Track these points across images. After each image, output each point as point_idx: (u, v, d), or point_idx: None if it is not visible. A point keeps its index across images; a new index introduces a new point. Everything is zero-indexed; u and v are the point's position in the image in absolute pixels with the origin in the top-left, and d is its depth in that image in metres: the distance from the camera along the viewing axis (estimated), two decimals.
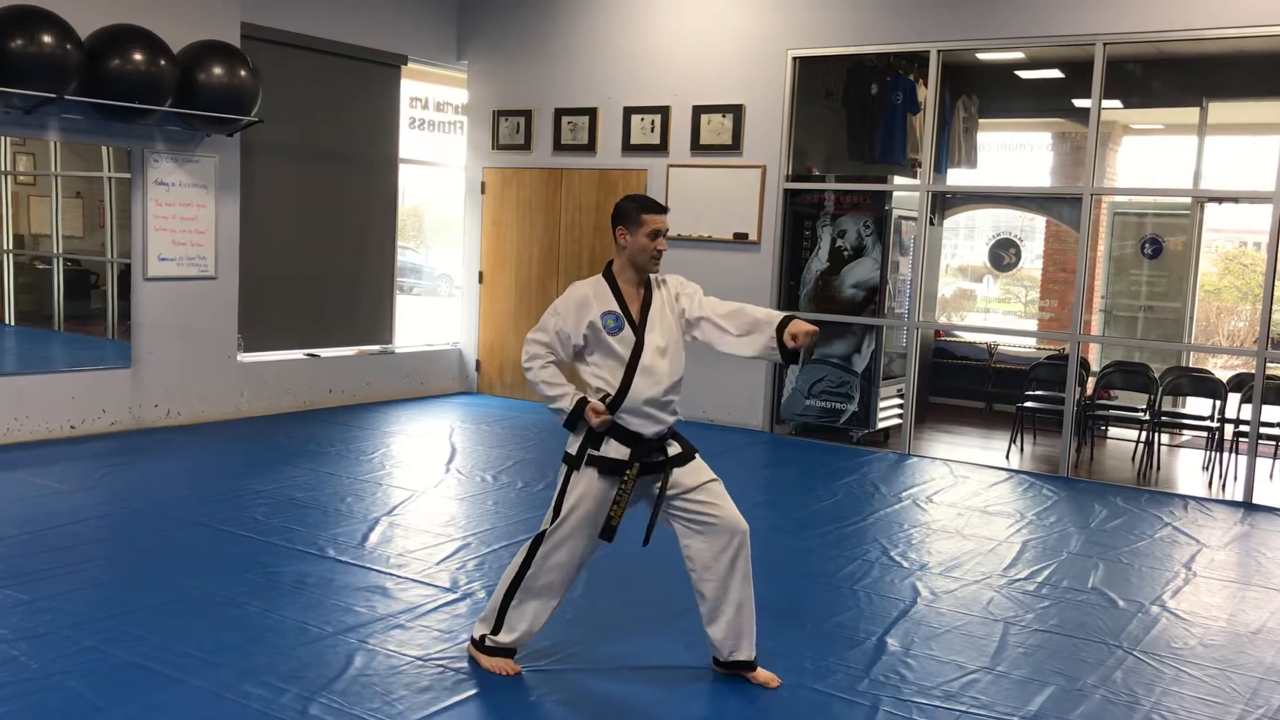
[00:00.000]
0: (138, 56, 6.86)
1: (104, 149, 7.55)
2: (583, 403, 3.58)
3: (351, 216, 9.16)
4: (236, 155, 7.95)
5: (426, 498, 6.17)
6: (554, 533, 3.68)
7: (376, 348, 9.41)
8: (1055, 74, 9.85)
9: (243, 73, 7.41)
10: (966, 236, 14.04)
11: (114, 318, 7.90)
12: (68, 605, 4.21)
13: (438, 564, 4.95)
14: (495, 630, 3.77)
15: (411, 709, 3.46)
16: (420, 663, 3.83)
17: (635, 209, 3.66)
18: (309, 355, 8.82)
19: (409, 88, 9.66)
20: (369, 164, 9.26)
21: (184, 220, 7.68)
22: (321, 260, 8.95)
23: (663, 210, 3.69)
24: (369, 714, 3.41)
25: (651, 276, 3.74)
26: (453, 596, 4.53)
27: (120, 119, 7.05)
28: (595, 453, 3.62)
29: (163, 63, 6.98)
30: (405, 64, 9.39)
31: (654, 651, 4.05)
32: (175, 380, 7.75)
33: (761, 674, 3.77)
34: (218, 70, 7.28)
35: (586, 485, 3.64)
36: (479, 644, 3.81)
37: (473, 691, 3.62)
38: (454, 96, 10.17)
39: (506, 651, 3.78)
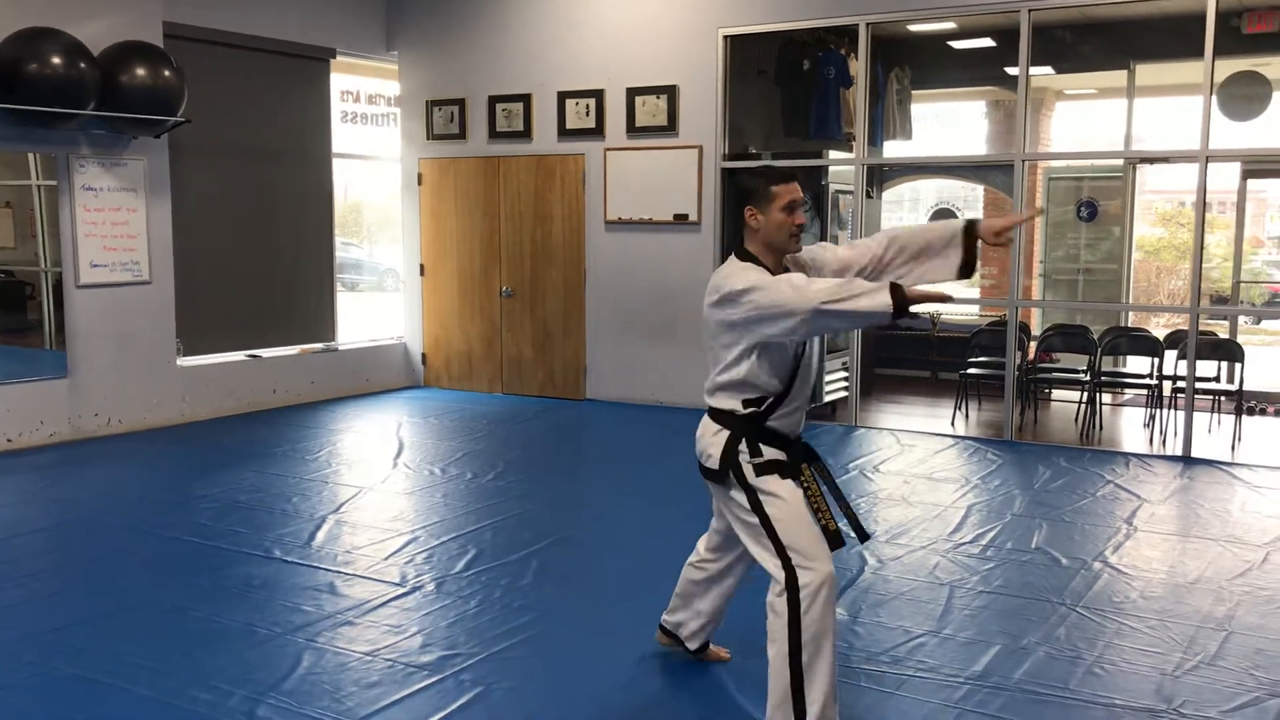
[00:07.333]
0: (56, 60, 6.72)
1: (30, 156, 7.40)
2: (897, 287, 2.91)
3: (287, 214, 9.06)
4: (165, 157, 7.82)
5: (374, 494, 6.13)
6: (800, 561, 3.06)
7: (319, 346, 9.31)
8: (987, 43, 9.93)
9: (167, 73, 7.29)
10: (911, 208, 14.13)
11: (51, 328, 7.75)
12: (9, 620, 4.14)
13: (386, 559, 4.92)
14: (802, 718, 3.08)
15: (360, 705, 3.45)
16: (369, 658, 3.81)
17: (763, 183, 3.28)
18: (251, 356, 8.71)
19: (339, 81, 9.55)
20: (302, 160, 9.15)
21: (114, 225, 7.54)
22: (259, 260, 8.84)
23: (793, 178, 3.27)
24: (318, 712, 3.39)
25: (789, 258, 3.32)
26: (401, 590, 4.51)
27: (42, 125, 6.91)
28: (761, 459, 3.20)
29: (83, 65, 6.85)
30: (334, 57, 9.28)
31: (605, 632, 4.06)
32: (114, 388, 7.63)
33: (712, 649, 3.79)
34: (141, 71, 7.16)
35: (778, 484, 3.17)
36: None
37: (423, 685, 3.61)
38: (386, 88, 10.07)
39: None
